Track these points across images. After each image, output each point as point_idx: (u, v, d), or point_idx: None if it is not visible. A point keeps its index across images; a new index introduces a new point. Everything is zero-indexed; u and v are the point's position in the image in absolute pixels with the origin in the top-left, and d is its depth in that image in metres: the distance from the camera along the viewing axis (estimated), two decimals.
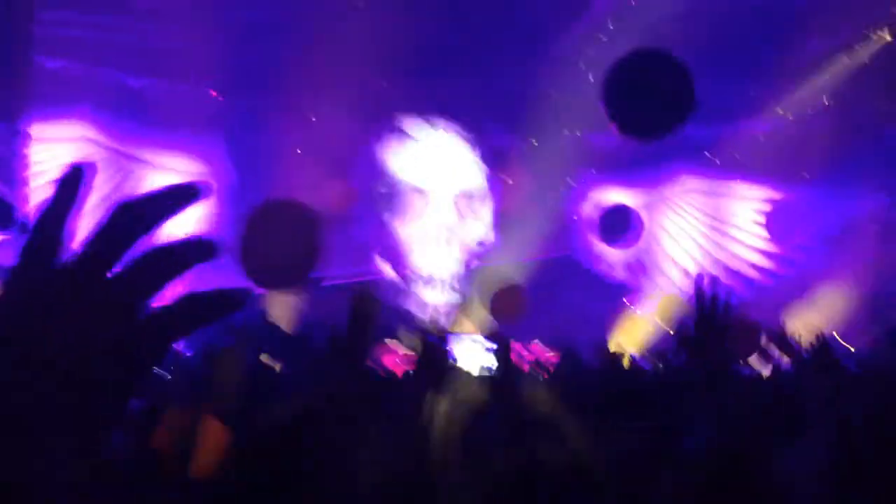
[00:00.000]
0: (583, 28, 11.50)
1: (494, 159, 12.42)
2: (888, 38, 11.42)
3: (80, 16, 9.65)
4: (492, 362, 2.70)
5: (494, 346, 2.64)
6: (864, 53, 11.61)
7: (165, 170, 10.93)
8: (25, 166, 9.39)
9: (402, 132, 12.12)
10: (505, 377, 2.56)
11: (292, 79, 9.99)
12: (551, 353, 9.65)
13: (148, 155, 10.89)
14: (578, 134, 12.25)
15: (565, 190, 12.59)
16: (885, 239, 11.95)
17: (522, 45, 11.54)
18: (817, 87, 12.02)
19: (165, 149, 10.90)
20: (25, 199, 9.40)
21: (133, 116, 10.54)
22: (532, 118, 11.77)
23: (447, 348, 2.48)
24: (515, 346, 7.76)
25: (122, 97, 10.53)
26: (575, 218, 12.85)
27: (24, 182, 9.44)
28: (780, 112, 12.36)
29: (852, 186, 12.09)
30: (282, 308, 9.67)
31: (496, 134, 12.44)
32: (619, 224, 12.70)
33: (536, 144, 12.17)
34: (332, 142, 10.99)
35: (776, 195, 12.76)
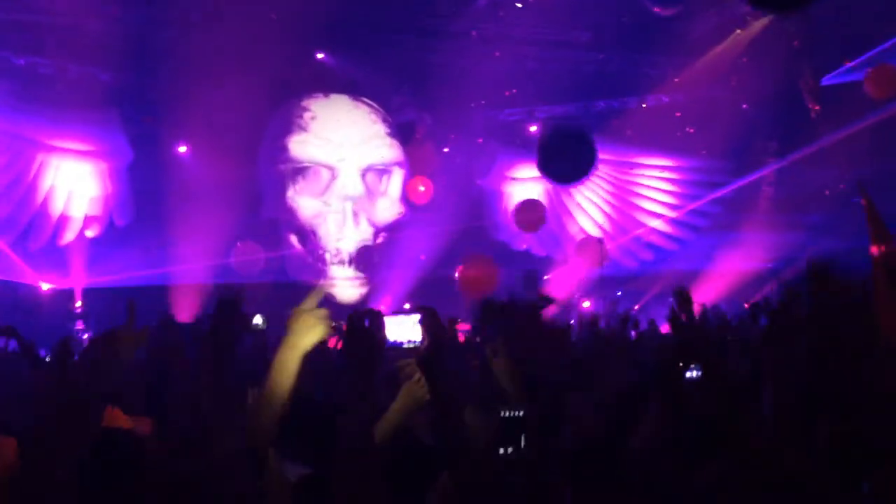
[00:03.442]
0: (486, 3, 11.54)
1: (401, 134, 12.42)
2: None
3: None
4: (417, 335, 2.62)
5: (419, 318, 2.56)
6: (757, 27, 11.98)
7: (58, 151, 10.54)
8: None
9: (307, 108, 11.99)
10: (431, 348, 2.49)
11: (191, 57, 9.70)
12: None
13: (38, 135, 10.45)
14: (487, 110, 12.40)
15: (474, 164, 12.70)
16: (778, 203, 12.45)
17: (430, 20, 11.55)
18: (714, 60, 12.39)
19: (57, 129, 10.47)
20: None
21: (21, 96, 10.07)
22: (440, 94, 11.79)
23: (377, 325, 2.40)
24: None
25: (8, 76, 10.04)
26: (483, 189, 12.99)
27: None
28: (680, 85, 12.73)
29: (748, 154, 12.54)
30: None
31: (405, 109, 12.42)
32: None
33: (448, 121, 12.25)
34: (236, 119, 10.77)
35: (677, 164, 13.14)
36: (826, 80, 11.86)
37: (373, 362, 2.15)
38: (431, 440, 2.54)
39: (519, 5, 11.54)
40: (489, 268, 9.75)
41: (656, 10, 10.46)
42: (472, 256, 10.20)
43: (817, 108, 11.86)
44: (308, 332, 2.21)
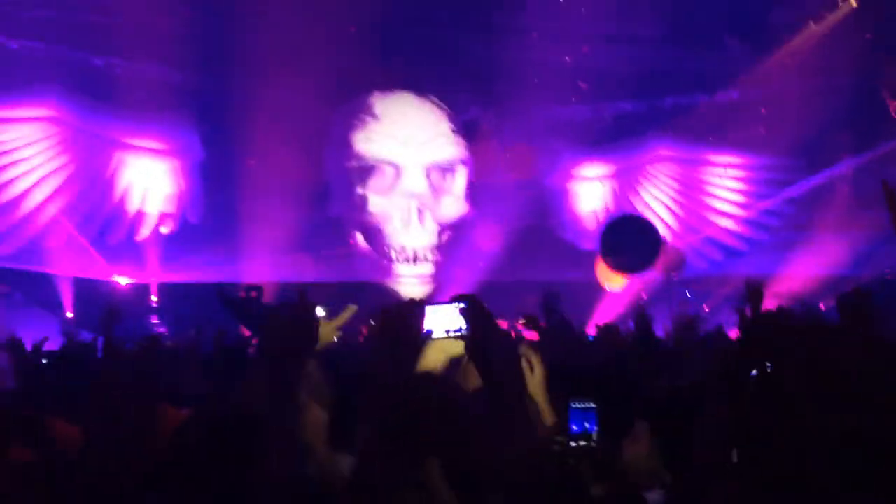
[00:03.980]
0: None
1: (466, 131, 12.39)
2: (854, 3, 11.45)
3: None
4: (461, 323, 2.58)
5: (462, 306, 2.51)
6: (832, 20, 11.64)
7: (132, 149, 10.80)
8: None
9: (372, 106, 12.04)
10: (474, 334, 2.45)
11: (261, 57, 9.84)
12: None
13: (114, 133, 10.73)
14: (551, 107, 12.29)
15: (539, 161, 12.61)
16: (854, 201, 12.06)
17: (495, 16, 11.50)
18: (788, 55, 12.08)
19: (132, 127, 10.75)
20: None
21: (98, 95, 10.37)
22: (505, 91, 11.74)
23: (416, 315, 2.37)
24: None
25: (86, 77, 10.35)
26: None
27: None
28: (752, 80, 12.43)
29: (822, 151, 12.20)
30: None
31: (468, 107, 12.40)
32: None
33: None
34: (302, 118, 10.89)
35: (748, 162, 12.85)
36: None
37: (410, 352, 2.14)
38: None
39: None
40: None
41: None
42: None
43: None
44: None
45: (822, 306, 10.04)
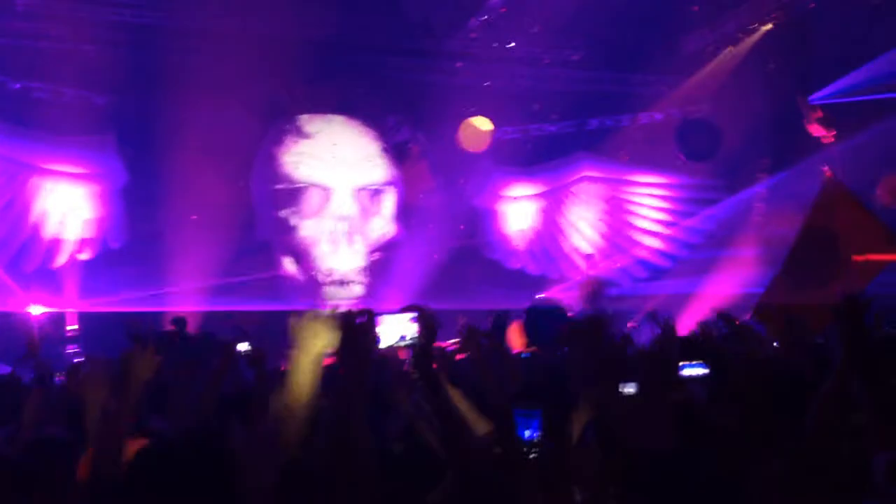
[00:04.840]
0: (478, 23, 11.63)
1: (395, 153, 12.45)
2: (769, 27, 11.86)
3: None
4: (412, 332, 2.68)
5: (414, 315, 2.62)
6: (748, 44, 12.06)
7: (52, 174, 10.54)
8: None
9: (301, 129, 12.00)
10: (425, 345, 2.58)
11: (185, 80, 9.73)
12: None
13: (32, 158, 10.46)
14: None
15: (467, 182, 12.73)
16: (769, 217, 12.44)
17: (421, 40, 11.63)
18: (707, 78, 12.48)
19: (51, 152, 10.49)
20: None
21: (16, 120, 10.10)
22: (435, 114, 11.86)
23: (371, 326, 2.44)
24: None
25: (3, 100, 10.08)
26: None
27: None
28: (673, 102, 12.83)
29: (742, 170, 12.57)
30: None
31: (397, 128, 12.46)
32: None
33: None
34: (229, 141, 10.80)
35: (671, 181, 13.17)
36: (813, 99, 11.91)
37: (367, 357, 2.22)
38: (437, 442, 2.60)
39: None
40: None
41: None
42: None
43: (827, 132, 11.83)
44: (316, 338, 2.31)
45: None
